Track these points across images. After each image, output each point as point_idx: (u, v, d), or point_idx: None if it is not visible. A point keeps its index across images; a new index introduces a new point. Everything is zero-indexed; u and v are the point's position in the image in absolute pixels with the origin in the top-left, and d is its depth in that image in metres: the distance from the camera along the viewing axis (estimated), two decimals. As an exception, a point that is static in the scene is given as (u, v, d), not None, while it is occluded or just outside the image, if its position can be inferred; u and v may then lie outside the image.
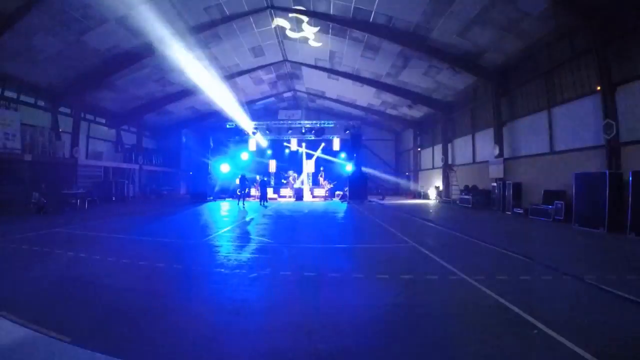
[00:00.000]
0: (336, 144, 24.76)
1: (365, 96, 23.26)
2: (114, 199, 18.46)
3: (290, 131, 23.72)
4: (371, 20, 13.76)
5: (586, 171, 9.57)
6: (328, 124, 23.18)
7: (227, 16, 14.47)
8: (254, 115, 26.52)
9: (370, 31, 14.35)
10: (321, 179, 24.93)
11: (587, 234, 8.43)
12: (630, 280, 4.42)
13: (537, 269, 5.13)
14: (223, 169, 22.58)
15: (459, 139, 19.77)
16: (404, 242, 7.46)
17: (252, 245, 7.05)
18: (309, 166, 26.70)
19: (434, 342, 2.85)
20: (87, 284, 4.28)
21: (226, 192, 22.76)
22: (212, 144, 22.28)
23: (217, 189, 22.81)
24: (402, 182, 29.26)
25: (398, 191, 29.05)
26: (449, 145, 20.61)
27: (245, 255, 6.17)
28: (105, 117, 20.65)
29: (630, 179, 7.89)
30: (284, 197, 23.77)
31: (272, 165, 27.11)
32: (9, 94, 14.23)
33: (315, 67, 20.24)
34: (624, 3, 8.84)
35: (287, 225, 10.71)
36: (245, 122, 22.72)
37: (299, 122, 23.61)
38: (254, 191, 22.70)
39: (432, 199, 21.72)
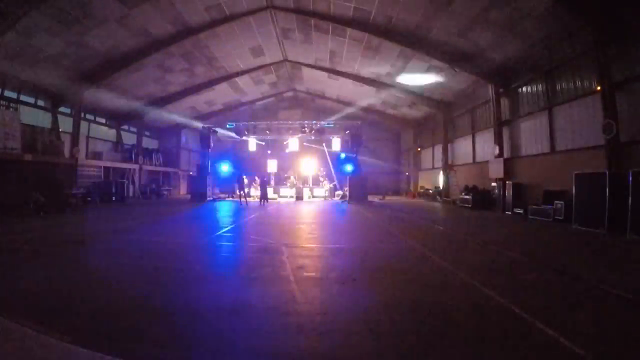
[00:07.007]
0: (336, 144, 24.71)
1: (365, 96, 23.24)
2: (114, 199, 18.45)
3: (290, 131, 23.71)
4: (371, 20, 13.76)
5: (586, 171, 9.57)
6: (328, 124, 23.16)
7: (227, 16, 14.49)
8: (254, 115, 26.55)
9: (370, 31, 14.34)
10: (321, 179, 24.90)
11: (584, 234, 8.44)
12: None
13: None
14: (223, 169, 22.56)
15: (459, 139, 19.77)
16: (404, 242, 7.46)
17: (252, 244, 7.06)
18: (309, 166, 26.68)
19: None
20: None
21: (226, 192, 22.76)
22: (212, 144, 22.28)
23: (217, 188, 22.81)
24: (402, 181, 29.29)
25: (398, 191, 29.07)
26: (449, 145, 20.60)
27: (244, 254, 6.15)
28: (105, 117, 20.67)
29: (630, 179, 7.88)
30: (284, 197, 23.77)
31: (272, 165, 27.08)
32: (9, 94, 14.24)
33: (315, 67, 20.24)
34: (624, 3, 8.84)
35: (286, 226, 10.70)
36: (243, 123, 22.71)
37: (299, 122, 23.60)
38: (254, 191, 22.69)
39: (432, 199, 21.70)
